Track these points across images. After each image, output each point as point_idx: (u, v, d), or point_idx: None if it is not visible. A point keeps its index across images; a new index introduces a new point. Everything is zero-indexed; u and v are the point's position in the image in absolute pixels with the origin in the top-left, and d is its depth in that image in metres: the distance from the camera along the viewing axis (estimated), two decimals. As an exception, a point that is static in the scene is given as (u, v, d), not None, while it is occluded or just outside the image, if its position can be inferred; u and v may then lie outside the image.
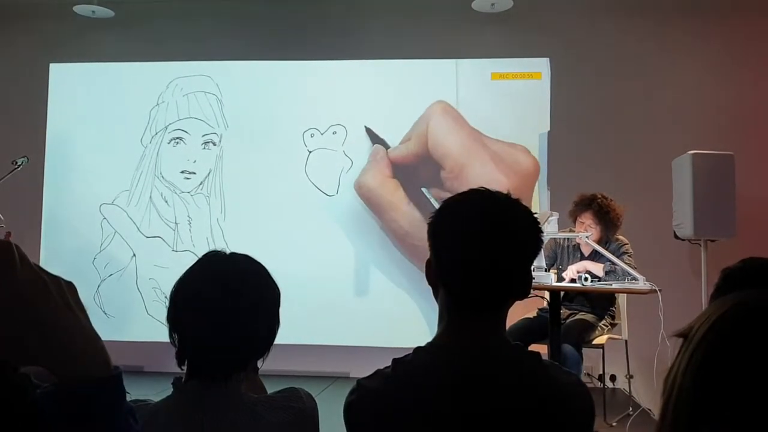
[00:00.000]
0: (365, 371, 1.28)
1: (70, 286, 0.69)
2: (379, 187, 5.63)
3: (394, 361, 1.24)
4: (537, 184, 5.53)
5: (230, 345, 1.28)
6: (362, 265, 5.68)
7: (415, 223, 5.50)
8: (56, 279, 0.67)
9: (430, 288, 1.30)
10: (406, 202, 5.57)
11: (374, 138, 5.72)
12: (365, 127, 5.74)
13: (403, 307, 5.56)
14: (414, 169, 5.61)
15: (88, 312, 0.69)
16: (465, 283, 1.23)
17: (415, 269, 5.50)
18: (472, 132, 5.59)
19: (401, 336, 5.44)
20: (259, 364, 1.42)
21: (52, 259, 5.76)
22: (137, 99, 5.99)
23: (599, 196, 4.19)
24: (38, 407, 0.67)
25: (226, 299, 1.29)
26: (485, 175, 5.43)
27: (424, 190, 5.53)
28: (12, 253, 0.64)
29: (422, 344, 1.26)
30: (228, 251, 1.38)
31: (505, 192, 1.28)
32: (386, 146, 5.70)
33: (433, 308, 1.30)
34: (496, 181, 5.40)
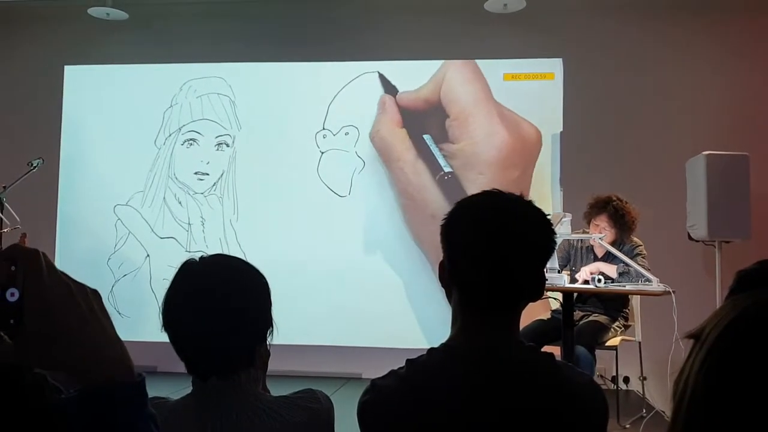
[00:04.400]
0: (378, 372, 1.29)
1: (95, 294, 0.70)
2: (390, 136, 5.73)
3: (408, 361, 1.24)
4: (550, 184, 5.51)
5: (229, 339, 1.29)
6: (375, 265, 5.68)
7: (418, 171, 5.61)
8: (82, 286, 0.68)
9: (442, 288, 1.30)
10: (412, 152, 5.65)
11: (386, 85, 5.80)
12: (378, 73, 5.80)
13: (415, 307, 5.55)
14: (421, 116, 5.68)
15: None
16: (477, 284, 1.23)
17: (428, 267, 5.48)
18: (486, 89, 5.66)
19: (414, 337, 5.45)
20: (271, 365, 1.43)
21: (67, 259, 5.81)
22: (151, 101, 6.02)
23: (614, 198, 4.16)
24: (62, 412, 0.68)
25: (208, 302, 1.30)
26: (488, 126, 5.56)
27: (425, 137, 5.59)
28: (39, 260, 0.65)
29: (436, 345, 1.26)
30: (201, 256, 1.39)
31: (518, 193, 1.28)
32: (396, 92, 5.79)
33: (447, 309, 1.30)
34: (498, 134, 5.54)
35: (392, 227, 5.67)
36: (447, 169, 5.52)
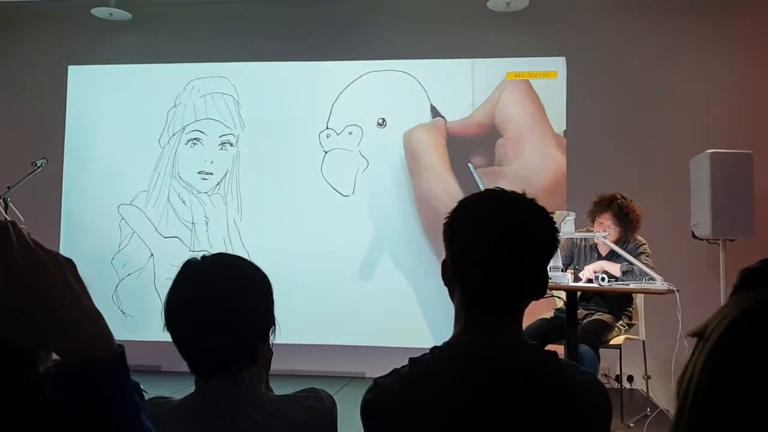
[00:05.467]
0: (381, 371, 1.29)
1: (69, 263, 0.68)
2: (430, 141, 5.66)
3: (411, 360, 1.24)
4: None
5: (231, 338, 1.30)
6: (378, 264, 5.68)
7: (448, 190, 5.53)
8: (55, 257, 0.66)
9: (445, 287, 1.30)
10: (447, 168, 5.60)
11: (436, 116, 5.76)
12: (431, 104, 5.74)
13: (419, 307, 5.55)
14: (468, 143, 5.61)
15: (102, 307, 0.69)
16: (480, 283, 1.23)
17: (432, 266, 5.48)
18: (542, 109, 5.60)
19: (417, 336, 5.45)
20: (274, 364, 1.43)
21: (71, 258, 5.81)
22: (155, 100, 6.03)
23: (619, 196, 4.16)
24: (42, 388, 0.67)
25: (210, 301, 1.30)
26: (543, 148, 5.48)
27: (470, 165, 5.53)
28: (8, 233, 0.62)
29: (439, 344, 1.26)
30: (203, 255, 1.40)
31: (520, 191, 1.28)
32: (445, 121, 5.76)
33: (450, 308, 1.30)
34: (552, 157, 5.47)
35: (397, 226, 5.67)
36: None
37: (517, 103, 5.59)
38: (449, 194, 5.50)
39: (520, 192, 1.28)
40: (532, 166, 5.47)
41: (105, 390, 0.66)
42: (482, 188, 5.35)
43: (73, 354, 0.65)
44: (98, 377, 0.66)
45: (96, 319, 0.67)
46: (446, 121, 5.70)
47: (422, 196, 5.63)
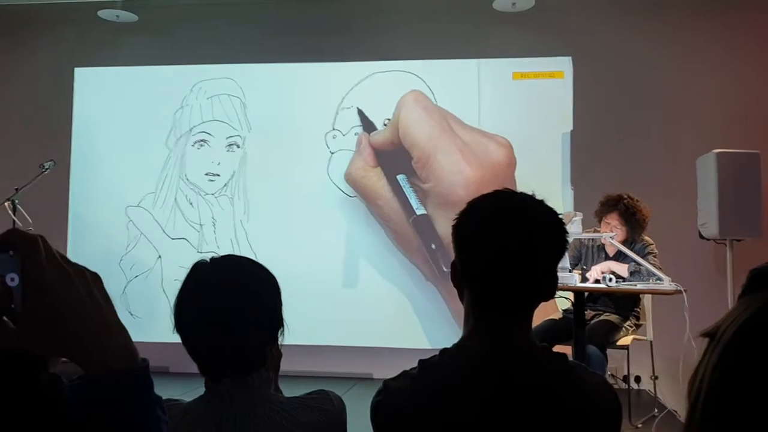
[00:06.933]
0: (389, 372, 1.29)
1: (96, 277, 0.69)
2: (363, 178, 5.66)
3: (420, 362, 1.25)
4: (561, 183, 5.48)
5: (240, 340, 1.30)
6: (386, 264, 5.67)
7: (395, 210, 5.54)
8: (81, 271, 0.68)
9: (453, 288, 1.30)
10: (388, 190, 5.59)
11: (364, 120, 5.76)
12: (357, 108, 5.77)
13: (426, 307, 5.55)
14: (393, 155, 5.61)
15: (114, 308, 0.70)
16: (489, 285, 1.23)
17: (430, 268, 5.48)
18: (442, 122, 5.54)
19: (425, 337, 5.44)
20: (282, 365, 1.43)
21: (79, 260, 5.65)
22: (161, 102, 6.04)
23: (626, 196, 4.15)
24: (64, 401, 0.67)
25: (220, 303, 1.30)
26: (449, 165, 5.41)
27: (399, 178, 5.55)
28: (38, 246, 0.64)
29: (446, 345, 1.26)
30: (212, 257, 1.40)
31: (531, 192, 1.28)
32: (374, 129, 5.75)
33: (459, 309, 1.30)
34: (460, 171, 5.40)
35: (406, 226, 5.67)
36: (419, 212, 5.42)
37: (415, 123, 5.52)
38: (397, 214, 5.51)
39: (530, 193, 1.28)
40: (444, 184, 5.39)
41: (127, 403, 0.67)
42: (413, 202, 5.50)
43: (97, 366, 0.66)
44: (121, 390, 0.67)
45: (120, 332, 0.69)
46: (373, 129, 5.71)
47: (382, 220, 5.62)
